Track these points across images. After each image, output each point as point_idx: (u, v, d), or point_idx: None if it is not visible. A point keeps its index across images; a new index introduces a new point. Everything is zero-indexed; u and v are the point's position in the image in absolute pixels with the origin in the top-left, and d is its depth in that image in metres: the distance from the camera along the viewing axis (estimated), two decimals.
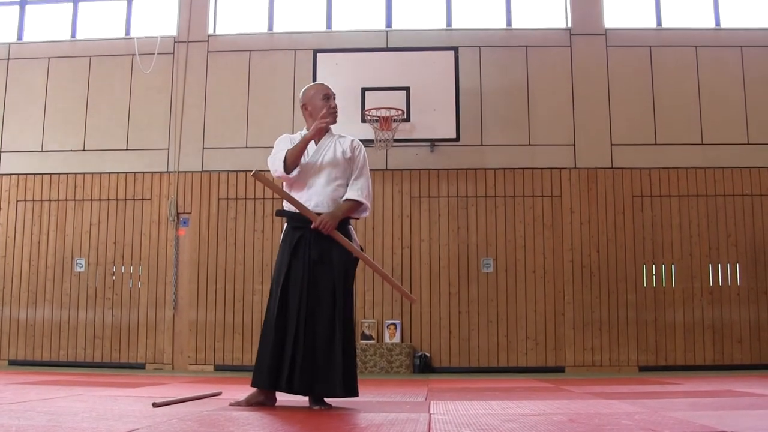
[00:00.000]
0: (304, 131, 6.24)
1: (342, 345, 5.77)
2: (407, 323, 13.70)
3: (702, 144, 13.98)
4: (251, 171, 6.21)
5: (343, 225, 6.08)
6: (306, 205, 5.98)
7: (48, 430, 4.21)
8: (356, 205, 6.11)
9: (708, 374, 12.07)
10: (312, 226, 5.91)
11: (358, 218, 6.27)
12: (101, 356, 13.97)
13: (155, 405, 5.57)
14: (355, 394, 5.86)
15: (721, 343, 13.49)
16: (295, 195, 6.06)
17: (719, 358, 13.43)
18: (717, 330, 13.52)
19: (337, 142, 6.25)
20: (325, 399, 5.80)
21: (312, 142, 6.16)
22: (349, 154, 6.19)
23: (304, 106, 6.33)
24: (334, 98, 6.28)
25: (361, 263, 6.24)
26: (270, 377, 5.78)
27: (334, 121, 6.20)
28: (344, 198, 6.10)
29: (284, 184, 6.21)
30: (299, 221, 6.00)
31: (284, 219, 6.19)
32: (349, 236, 6.11)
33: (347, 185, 6.14)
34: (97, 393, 7.01)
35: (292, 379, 5.72)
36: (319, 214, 5.95)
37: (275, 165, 6.05)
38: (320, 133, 6.18)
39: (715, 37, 14.43)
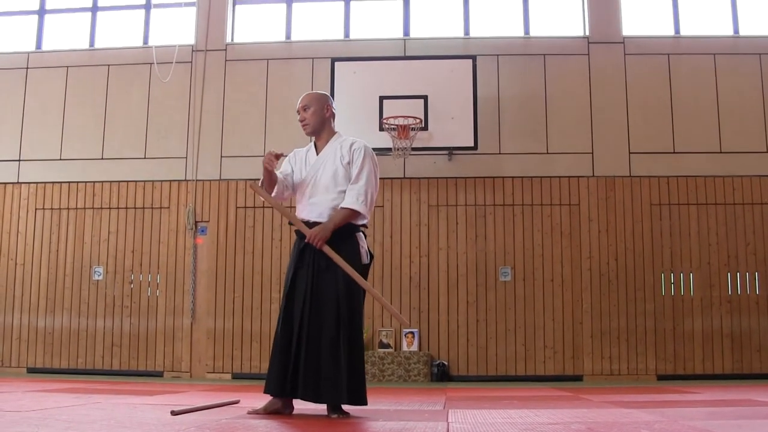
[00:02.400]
0: (311, 143, 6.33)
1: (347, 352, 5.73)
2: (425, 332, 13.68)
3: (720, 152, 13.93)
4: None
5: (347, 234, 6.00)
6: (309, 215, 6.01)
7: None
8: (352, 214, 5.99)
9: (727, 383, 12.01)
10: (305, 241, 5.90)
11: (365, 225, 6.17)
12: (119, 364, 14.01)
13: (173, 413, 5.57)
14: (362, 402, 5.77)
15: (740, 351, 13.43)
16: (299, 206, 6.14)
17: (738, 367, 13.36)
18: (736, 339, 13.46)
19: (339, 146, 6.20)
20: (342, 407, 5.78)
21: (313, 150, 6.26)
22: (347, 159, 6.12)
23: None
24: (304, 110, 6.29)
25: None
26: (277, 383, 5.79)
27: (306, 132, 6.32)
28: (340, 206, 5.99)
29: None
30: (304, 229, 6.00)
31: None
32: (355, 245, 6.04)
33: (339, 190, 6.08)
34: (116, 401, 7.02)
35: (296, 386, 5.73)
36: (315, 222, 5.96)
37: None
38: (268, 179, 6.14)
39: (733, 44, 14.38)
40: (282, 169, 6.22)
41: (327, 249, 5.86)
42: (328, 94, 6.22)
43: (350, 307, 5.84)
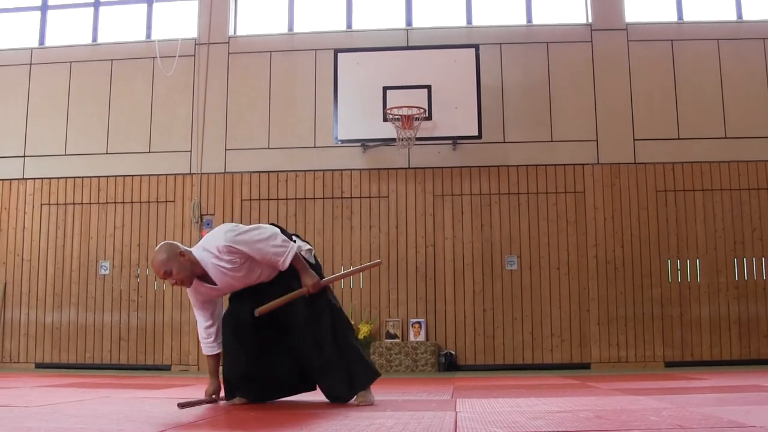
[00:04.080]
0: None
1: (348, 340, 6.02)
2: (432, 321, 13.69)
3: (725, 137, 13.91)
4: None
5: (281, 276, 5.98)
6: (247, 297, 6.01)
7: None
8: (295, 259, 5.83)
9: (735, 369, 12.00)
10: (309, 294, 5.90)
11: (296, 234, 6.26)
12: (127, 358, 14.03)
13: (180, 405, 5.58)
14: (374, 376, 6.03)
15: (748, 337, 13.42)
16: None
17: (746, 353, 13.35)
18: (743, 325, 13.45)
19: (217, 268, 5.77)
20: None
21: (207, 286, 5.92)
22: (235, 261, 5.74)
23: None
24: (167, 276, 5.68)
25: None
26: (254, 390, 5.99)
27: (183, 287, 5.90)
28: (281, 265, 5.84)
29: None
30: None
31: None
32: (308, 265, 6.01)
33: (267, 265, 5.90)
34: (124, 395, 7.03)
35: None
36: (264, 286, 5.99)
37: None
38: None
39: (737, 29, 14.35)
40: (196, 307, 6.15)
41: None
42: (168, 243, 5.77)
43: (328, 304, 6.01)
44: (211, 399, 6.04)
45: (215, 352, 6.15)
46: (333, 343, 5.88)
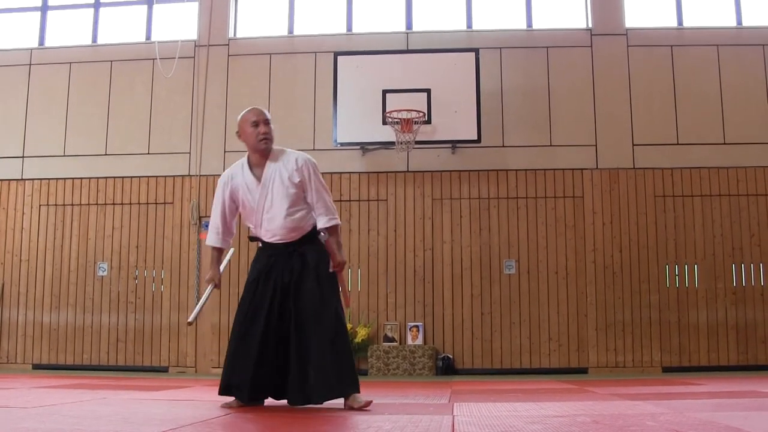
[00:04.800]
0: (244, 159, 6.26)
1: (346, 345, 5.99)
2: (430, 325, 13.69)
3: (724, 143, 13.91)
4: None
5: (315, 239, 6.14)
6: (270, 237, 6.07)
7: None
8: (335, 229, 6.17)
9: (732, 375, 12.01)
10: (335, 270, 6.17)
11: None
12: (124, 360, 14.03)
13: (189, 323, 6.39)
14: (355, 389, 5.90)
15: (745, 343, 13.42)
16: (258, 230, 6.15)
17: (743, 359, 13.35)
18: (741, 330, 13.45)
19: (281, 166, 6.08)
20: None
21: (252, 176, 6.13)
22: (297, 178, 6.04)
23: (237, 133, 6.27)
24: (266, 123, 6.11)
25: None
26: (258, 388, 5.92)
27: (266, 147, 6.09)
28: (320, 226, 6.10)
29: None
30: (272, 248, 6.10)
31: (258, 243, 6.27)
32: (323, 247, 6.16)
33: (304, 206, 6.08)
34: (121, 396, 7.03)
35: (299, 390, 5.81)
36: (279, 243, 6.06)
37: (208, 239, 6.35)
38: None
39: (736, 35, 14.36)
40: (217, 208, 6.22)
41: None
42: None
43: (335, 307, 6.07)
44: (214, 286, 6.30)
45: (219, 246, 6.28)
46: (333, 345, 5.86)
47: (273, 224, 6.02)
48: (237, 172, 6.18)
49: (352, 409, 5.74)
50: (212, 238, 6.24)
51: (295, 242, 6.07)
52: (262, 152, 6.10)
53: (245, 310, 6.01)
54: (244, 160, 6.22)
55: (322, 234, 6.14)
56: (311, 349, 5.81)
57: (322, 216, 6.08)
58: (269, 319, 5.91)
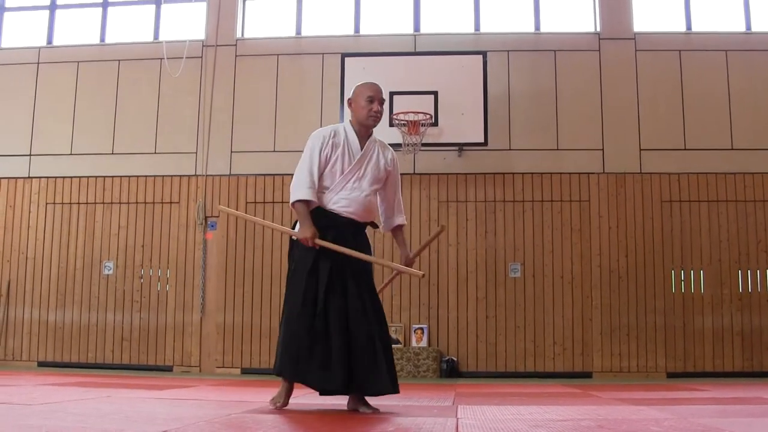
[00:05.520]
0: (346, 123, 6.19)
1: (387, 344, 5.86)
2: (434, 328, 13.68)
3: (732, 149, 13.89)
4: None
5: (363, 234, 6.21)
6: (344, 209, 5.95)
7: (77, 430, 4.22)
8: (404, 227, 6.40)
9: (737, 381, 11.98)
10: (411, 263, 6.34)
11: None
12: (129, 359, 14.04)
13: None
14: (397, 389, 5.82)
15: (750, 349, 13.39)
16: (331, 195, 5.97)
17: (748, 365, 13.32)
18: (746, 336, 13.42)
19: (380, 150, 6.20)
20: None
21: (357, 141, 6.11)
22: (390, 168, 6.21)
23: (349, 101, 6.23)
24: (381, 103, 6.13)
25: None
26: (322, 377, 5.71)
27: (374, 124, 6.15)
28: (395, 225, 6.35)
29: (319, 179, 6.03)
30: (333, 220, 5.95)
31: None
32: (367, 243, 6.21)
33: (376, 193, 6.15)
34: (126, 395, 7.03)
35: (348, 380, 5.66)
36: (348, 218, 5.95)
37: (294, 192, 6.00)
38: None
39: (745, 40, 14.34)
40: (315, 159, 6.00)
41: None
42: None
43: (375, 296, 6.06)
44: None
45: (312, 199, 5.92)
46: (386, 343, 5.85)
47: (356, 194, 6.00)
48: (339, 132, 6.13)
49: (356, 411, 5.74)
50: (307, 192, 5.90)
51: (360, 224, 6.08)
52: (369, 128, 6.18)
53: (315, 285, 5.87)
54: (347, 124, 6.20)
55: (380, 229, 6.40)
56: (368, 345, 5.75)
57: (401, 214, 6.35)
58: (341, 296, 5.86)
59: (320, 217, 5.93)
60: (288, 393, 5.91)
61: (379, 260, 5.82)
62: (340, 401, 5.98)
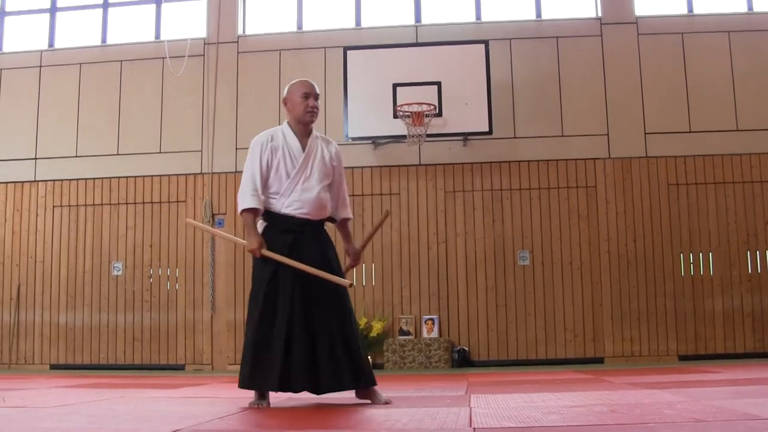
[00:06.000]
0: (284, 125, 6.20)
1: (356, 337, 5.89)
2: (445, 318, 13.69)
3: (737, 130, 13.86)
4: None
5: (322, 231, 6.15)
6: (297, 211, 5.95)
7: None
8: (350, 221, 6.39)
9: (749, 362, 11.97)
10: (354, 265, 6.33)
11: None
12: (141, 359, 14.06)
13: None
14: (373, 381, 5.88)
15: (762, 330, 13.37)
16: (283, 200, 5.97)
17: (759, 346, 13.31)
18: (757, 317, 13.41)
19: (322, 145, 6.19)
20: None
21: (297, 141, 6.08)
22: (335, 162, 6.20)
23: (284, 101, 6.30)
24: (316, 98, 6.19)
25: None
26: (278, 379, 5.67)
27: (311, 120, 6.14)
28: (341, 218, 6.28)
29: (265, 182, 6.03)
30: (290, 224, 5.94)
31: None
32: (328, 240, 6.16)
33: (326, 188, 6.11)
34: (139, 395, 7.05)
35: (312, 379, 5.68)
36: (304, 219, 5.95)
37: (240, 201, 6.01)
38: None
39: (747, 21, 14.30)
40: (255, 168, 5.98)
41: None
42: None
43: (346, 297, 5.97)
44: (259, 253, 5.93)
45: (258, 207, 5.94)
46: (353, 339, 5.83)
47: (307, 195, 5.96)
48: (277, 135, 6.11)
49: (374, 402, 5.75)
50: (251, 200, 5.92)
51: (317, 222, 6.06)
52: (306, 124, 6.15)
53: (274, 289, 5.90)
54: (284, 126, 6.20)
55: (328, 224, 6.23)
56: (335, 342, 5.76)
57: (346, 207, 6.31)
58: (299, 299, 5.84)
59: (277, 221, 5.99)
60: (262, 395, 5.84)
61: (313, 270, 5.74)
62: (349, 395, 5.97)
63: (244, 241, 6.05)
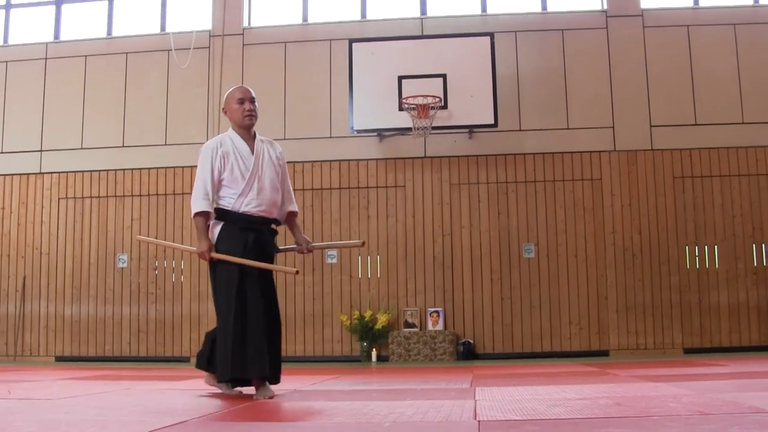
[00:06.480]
0: (230, 131, 6.41)
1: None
2: (450, 310, 13.69)
3: (743, 123, 13.83)
4: (290, 162, 6.36)
5: (273, 229, 6.48)
6: (256, 209, 6.24)
7: (97, 424, 4.24)
8: (297, 214, 6.75)
9: (754, 355, 11.97)
10: (306, 252, 6.69)
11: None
12: (146, 351, 14.08)
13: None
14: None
15: (767, 323, 13.36)
16: (242, 199, 6.20)
17: (765, 339, 13.29)
18: (762, 310, 13.39)
19: (268, 147, 6.49)
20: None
21: (245, 144, 6.32)
22: (282, 161, 6.55)
23: (224, 110, 6.49)
24: (252, 101, 6.36)
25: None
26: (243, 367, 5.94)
27: (251, 123, 6.36)
28: (288, 211, 6.58)
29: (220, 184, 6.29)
30: (250, 222, 6.21)
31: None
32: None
33: (277, 187, 6.43)
34: (144, 387, 7.07)
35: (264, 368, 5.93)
36: (261, 216, 6.27)
37: (192, 205, 6.27)
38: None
39: (753, 14, 14.26)
40: (207, 174, 6.22)
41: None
42: None
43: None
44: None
45: (209, 210, 6.24)
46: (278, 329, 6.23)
47: (263, 195, 6.27)
48: (225, 141, 6.34)
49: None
50: (202, 203, 6.19)
51: (271, 220, 6.37)
52: (247, 128, 6.38)
53: (240, 288, 6.08)
54: (230, 132, 6.41)
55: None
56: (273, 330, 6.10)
57: (292, 201, 6.63)
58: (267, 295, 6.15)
59: (238, 220, 6.22)
60: (232, 386, 6.24)
61: (263, 264, 6.10)
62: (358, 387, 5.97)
63: (192, 248, 6.45)
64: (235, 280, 6.04)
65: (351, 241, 6.21)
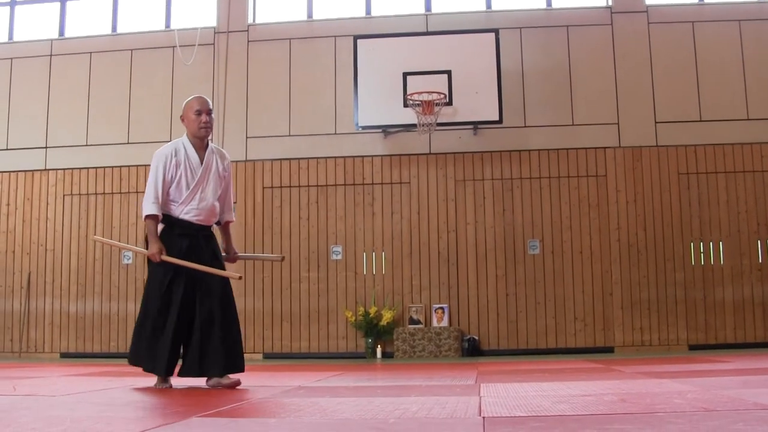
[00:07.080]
0: (185, 138, 6.79)
1: (236, 327, 6.63)
2: (455, 307, 13.69)
3: (748, 119, 13.82)
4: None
5: (211, 233, 6.86)
6: (196, 218, 6.63)
7: (102, 420, 4.24)
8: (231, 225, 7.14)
9: (759, 352, 11.95)
10: (231, 261, 7.11)
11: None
12: None
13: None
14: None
15: None
16: (182, 207, 6.62)
17: None
18: (767, 307, 13.38)
19: (217, 158, 6.81)
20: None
21: (196, 155, 6.68)
22: (226, 172, 6.86)
23: (181, 117, 6.82)
24: (208, 113, 6.70)
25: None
26: (171, 365, 6.50)
27: (205, 134, 6.72)
28: (225, 221, 6.99)
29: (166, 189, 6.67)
30: (187, 228, 6.62)
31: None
32: (215, 238, 6.93)
33: (218, 206, 6.84)
34: (149, 383, 7.06)
35: (204, 365, 6.44)
36: (199, 225, 6.67)
37: (144, 208, 6.67)
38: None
39: (758, 10, 14.24)
40: (159, 179, 6.63)
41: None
42: None
43: (229, 287, 6.70)
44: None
45: (159, 214, 6.59)
46: (234, 327, 6.58)
47: (204, 204, 6.65)
48: (179, 149, 6.70)
49: (221, 386, 6.33)
50: (152, 207, 6.55)
51: (209, 227, 6.71)
52: (201, 138, 6.72)
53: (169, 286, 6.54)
54: (185, 140, 6.77)
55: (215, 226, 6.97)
56: (216, 328, 6.46)
57: (230, 211, 7.01)
58: (192, 297, 6.53)
59: (175, 226, 6.62)
60: (164, 379, 6.53)
61: (206, 268, 6.48)
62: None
63: (144, 250, 6.73)
64: (166, 282, 6.49)
65: (272, 255, 6.70)
